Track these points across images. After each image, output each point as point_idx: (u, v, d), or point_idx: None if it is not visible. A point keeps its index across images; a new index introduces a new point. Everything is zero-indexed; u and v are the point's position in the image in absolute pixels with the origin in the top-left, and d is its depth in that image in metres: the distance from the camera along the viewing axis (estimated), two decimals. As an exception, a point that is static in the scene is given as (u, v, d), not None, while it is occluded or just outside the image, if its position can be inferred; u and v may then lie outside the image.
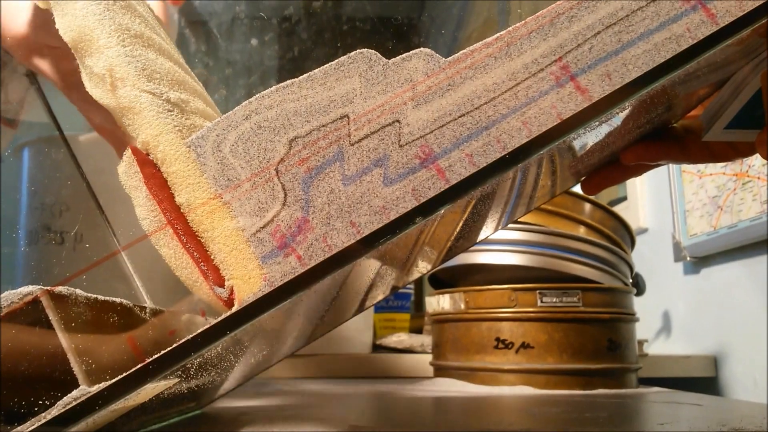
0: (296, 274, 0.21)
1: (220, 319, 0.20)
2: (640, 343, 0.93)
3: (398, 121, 0.22)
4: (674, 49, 0.22)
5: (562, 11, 0.22)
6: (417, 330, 1.12)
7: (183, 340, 0.20)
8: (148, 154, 0.23)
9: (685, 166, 0.96)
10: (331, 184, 0.21)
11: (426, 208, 0.21)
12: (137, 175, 0.22)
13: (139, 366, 0.20)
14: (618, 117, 0.29)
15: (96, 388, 0.20)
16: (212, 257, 0.22)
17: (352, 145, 0.21)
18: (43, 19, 0.40)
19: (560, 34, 0.22)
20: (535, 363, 0.64)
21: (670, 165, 1.01)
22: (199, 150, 0.21)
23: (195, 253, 0.21)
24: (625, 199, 1.20)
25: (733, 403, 0.55)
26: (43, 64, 0.44)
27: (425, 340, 0.95)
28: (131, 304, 0.27)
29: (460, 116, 0.22)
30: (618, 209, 1.22)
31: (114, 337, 0.23)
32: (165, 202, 0.22)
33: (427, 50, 0.22)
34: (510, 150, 0.21)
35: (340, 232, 0.21)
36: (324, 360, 0.83)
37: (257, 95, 0.22)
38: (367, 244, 0.21)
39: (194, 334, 0.20)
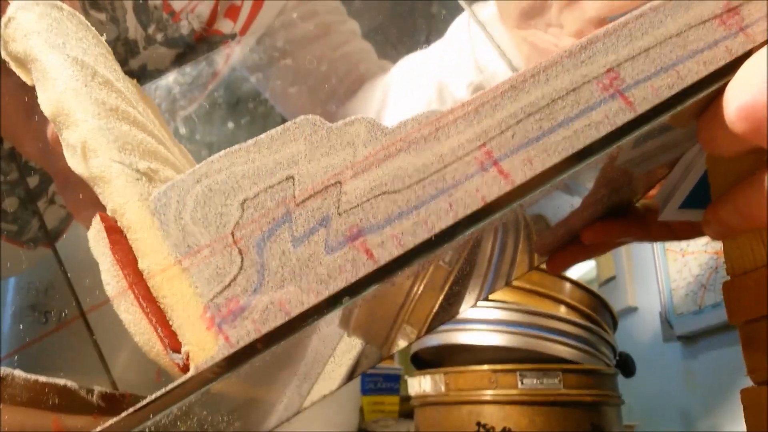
0: (251, 339, 0.21)
1: (173, 384, 0.20)
2: (630, 427, 0.91)
3: (339, 182, 0.22)
4: (594, 135, 0.23)
5: (486, 100, 0.23)
6: (407, 413, 1.09)
7: (130, 410, 0.20)
8: (116, 222, 0.23)
9: (669, 245, 0.97)
10: (282, 245, 0.22)
11: (355, 288, 0.21)
12: (104, 241, 0.23)
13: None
14: (557, 200, 0.30)
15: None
16: (171, 323, 0.22)
17: (298, 205, 0.22)
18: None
19: (484, 122, 0.23)
20: (517, 448, 0.62)
21: (655, 243, 1.02)
22: (162, 218, 0.22)
23: (153, 319, 0.21)
24: (615, 278, 1.20)
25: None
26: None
27: (412, 425, 0.93)
28: (76, 387, 0.26)
29: (393, 192, 0.22)
30: (608, 288, 1.22)
31: (45, 418, 0.23)
32: (128, 267, 0.22)
33: (369, 118, 0.23)
34: (436, 231, 0.22)
35: (292, 297, 0.21)
36: (305, 445, 0.80)
37: (206, 160, 0.23)
38: (320, 310, 0.21)
39: (144, 402, 0.20)
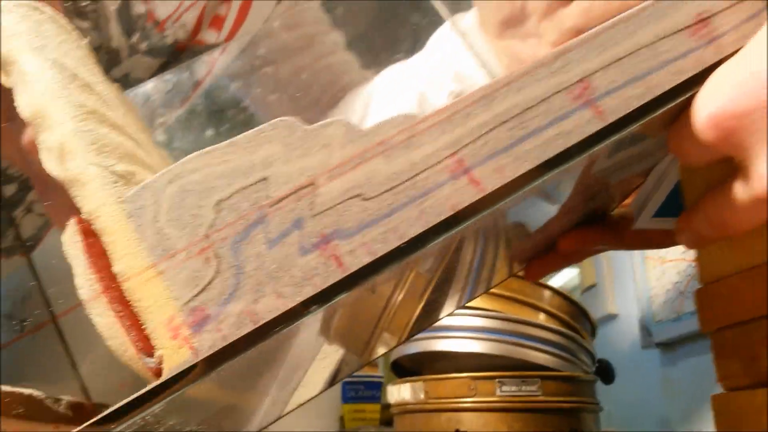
0: (225, 343, 0.21)
1: (136, 394, 0.20)
2: (609, 433, 0.91)
3: (314, 184, 0.22)
4: (564, 144, 0.23)
5: (459, 109, 0.23)
6: (388, 421, 1.09)
7: (90, 421, 0.19)
8: (91, 224, 0.23)
9: (648, 252, 0.98)
10: (256, 247, 0.21)
11: (323, 296, 0.21)
12: (78, 244, 0.22)
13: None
14: (532, 208, 0.30)
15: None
16: (144, 327, 0.21)
17: (272, 206, 0.22)
18: None
19: (456, 130, 0.23)
20: (496, 455, 0.62)
21: (635, 251, 1.03)
22: (138, 221, 0.22)
23: (127, 322, 0.21)
24: (596, 285, 1.21)
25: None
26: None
27: (393, 432, 0.92)
28: (43, 396, 0.26)
29: (365, 199, 0.22)
30: (590, 295, 1.22)
31: (9, 426, 0.22)
32: (103, 270, 0.22)
33: (345, 120, 0.23)
34: (406, 239, 0.22)
35: (265, 303, 0.21)
36: (284, 454, 0.80)
37: (180, 161, 0.22)
38: (289, 318, 0.21)
39: (106, 412, 0.19)
